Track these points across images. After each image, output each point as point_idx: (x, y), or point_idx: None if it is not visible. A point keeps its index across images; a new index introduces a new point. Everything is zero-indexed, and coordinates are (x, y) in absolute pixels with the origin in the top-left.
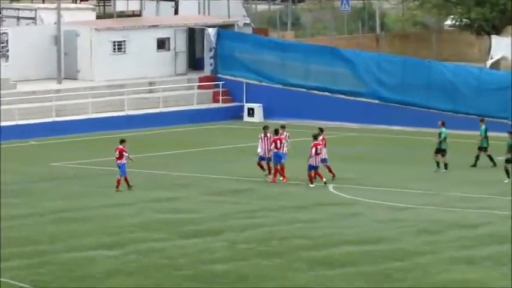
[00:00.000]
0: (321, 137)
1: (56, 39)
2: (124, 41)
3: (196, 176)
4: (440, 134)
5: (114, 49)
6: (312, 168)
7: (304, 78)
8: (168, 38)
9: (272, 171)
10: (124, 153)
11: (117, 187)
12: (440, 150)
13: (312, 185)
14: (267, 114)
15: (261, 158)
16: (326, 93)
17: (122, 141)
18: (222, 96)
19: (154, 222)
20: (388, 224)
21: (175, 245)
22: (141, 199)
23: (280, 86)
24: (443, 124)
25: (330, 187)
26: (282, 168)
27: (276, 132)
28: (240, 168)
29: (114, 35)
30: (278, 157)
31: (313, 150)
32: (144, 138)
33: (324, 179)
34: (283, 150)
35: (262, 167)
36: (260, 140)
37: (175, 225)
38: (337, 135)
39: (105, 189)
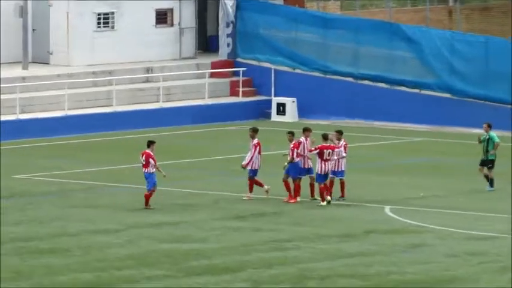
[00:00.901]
0: (342, 142)
1: (22, 11)
2: (112, 13)
3: (208, 193)
4: (485, 140)
5: (99, 24)
6: (321, 179)
7: (353, 64)
8: (171, 10)
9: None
10: (151, 161)
11: (147, 204)
12: (486, 162)
13: (323, 203)
14: (302, 111)
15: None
16: (382, 85)
17: (150, 144)
18: (242, 87)
19: (152, 254)
20: (463, 259)
21: (180, 285)
22: (135, 223)
23: (321, 75)
24: (489, 126)
25: (387, 209)
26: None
27: (325, 138)
28: (265, 184)
29: (99, 5)
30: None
31: (316, 152)
32: (139, 142)
33: (328, 199)
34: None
35: (255, 184)
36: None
37: (180, 258)
38: (398, 140)
39: (85, 211)
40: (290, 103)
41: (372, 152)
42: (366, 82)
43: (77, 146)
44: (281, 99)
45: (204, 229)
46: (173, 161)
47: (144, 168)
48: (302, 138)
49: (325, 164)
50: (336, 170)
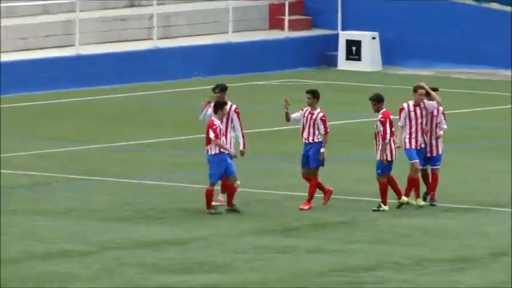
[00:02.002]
0: (435, 106)
1: None
2: None
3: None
4: None
5: None
6: (384, 171)
7: None
8: None
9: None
10: (211, 134)
11: (210, 207)
12: None
13: (384, 207)
14: (388, 54)
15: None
16: None
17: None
18: (289, 15)
19: None
20: None
21: None
22: (113, 242)
23: None
24: None
25: None
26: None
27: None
28: (330, 175)
29: None
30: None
31: (387, 127)
32: (120, 105)
33: (403, 199)
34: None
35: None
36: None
37: None
38: None
39: (31, 220)
40: (368, 41)
41: (489, 123)
42: (494, 5)
43: (16, 112)
44: (354, 35)
45: (228, 249)
46: (173, 138)
47: (207, 147)
48: (409, 104)
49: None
50: (431, 154)
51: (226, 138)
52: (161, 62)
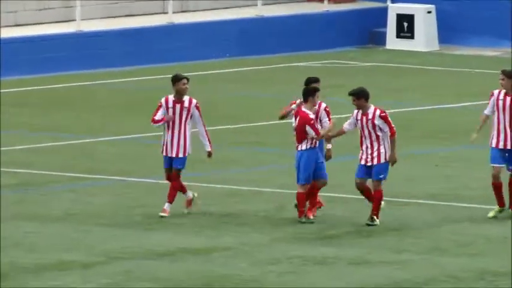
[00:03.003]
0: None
1: None
2: None
3: (266, 191)
4: None
5: None
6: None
7: None
8: None
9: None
10: (308, 129)
11: (302, 212)
12: None
13: (377, 221)
14: (446, 32)
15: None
16: None
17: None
18: None
19: None
20: None
21: None
22: (120, 251)
23: None
24: None
25: None
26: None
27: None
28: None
29: None
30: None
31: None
32: (128, 93)
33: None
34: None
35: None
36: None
37: None
38: None
39: (18, 226)
40: (423, 15)
41: None
42: None
43: (7, 99)
44: (405, 8)
45: (258, 261)
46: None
47: (299, 143)
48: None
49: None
50: None
51: (185, 136)
52: (177, 40)
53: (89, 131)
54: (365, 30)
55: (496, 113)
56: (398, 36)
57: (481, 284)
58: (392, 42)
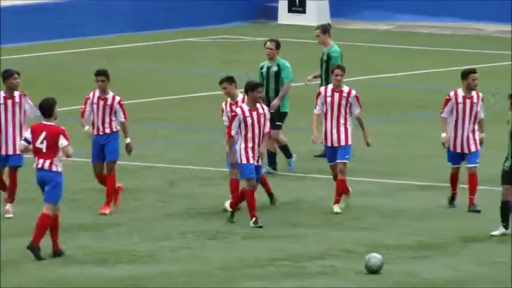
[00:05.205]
0: None
1: None
2: None
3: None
4: None
5: None
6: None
7: None
8: None
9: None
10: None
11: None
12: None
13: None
14: (337, 6)
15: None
16: None
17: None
18: None
19: None
20: None
21: None
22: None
23: None
24: None
25: None
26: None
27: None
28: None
29: None
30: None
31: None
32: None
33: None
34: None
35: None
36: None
37: None
38: None
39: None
40: None
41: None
42: None
43: None
44: None
45: (151, 237)
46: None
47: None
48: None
49: None
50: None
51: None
52: (69, 17)
53: None
54: (257, 5)
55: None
56: (290, 10)
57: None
58: (284, 17)
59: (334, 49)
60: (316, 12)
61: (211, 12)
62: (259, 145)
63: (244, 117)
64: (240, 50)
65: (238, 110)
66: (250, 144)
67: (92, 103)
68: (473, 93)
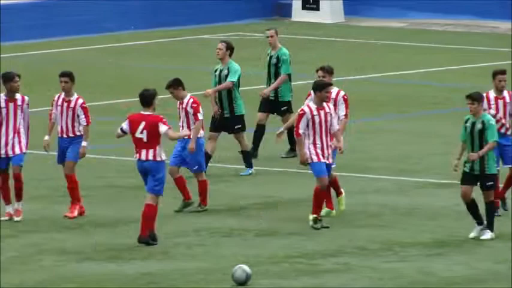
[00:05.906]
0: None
1: None
2: None
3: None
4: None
5: None
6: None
7: None
8: None
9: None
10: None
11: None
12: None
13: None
14: (351, 3)
15: None
16: None
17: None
18: None
19: None
20: None
21: None
22: (35, 221)
23: None
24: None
25: None
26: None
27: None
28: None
29: None
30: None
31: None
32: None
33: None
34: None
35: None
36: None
37: None
38: None
39: None
40: None
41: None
42: None
43: None
44: None
45: (166, 233)
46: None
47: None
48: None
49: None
50: None
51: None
52: (79, 14)
53: None
54: (271, 2)
55: None
56: (304, 8)
57: (388, 254)
58: (298, 14)
59: (283, 51)
60: (330, 10)
61: (225, 10)
62: (327, 144)
63: (312, 116)
64: (254, 47)
65: (306, 109)
66: (318, 143)
67: (57, 105)
68: (505, 93)
